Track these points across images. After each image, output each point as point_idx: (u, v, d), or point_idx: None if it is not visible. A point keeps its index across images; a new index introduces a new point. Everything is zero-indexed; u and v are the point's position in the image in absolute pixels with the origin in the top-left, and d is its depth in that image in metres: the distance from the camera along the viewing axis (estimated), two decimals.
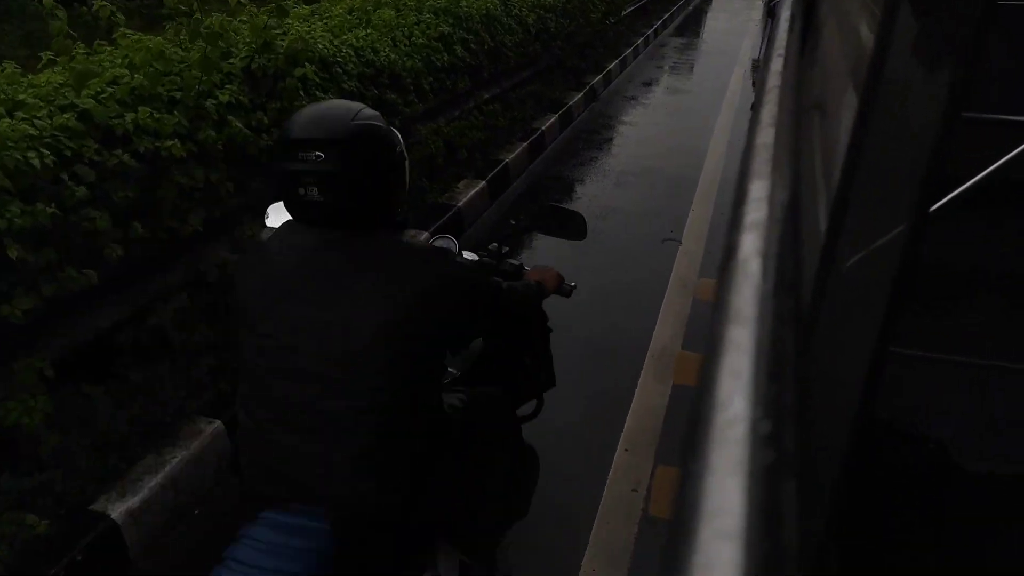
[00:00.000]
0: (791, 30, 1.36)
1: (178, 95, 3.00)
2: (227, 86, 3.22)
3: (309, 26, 4.23)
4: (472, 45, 5.77)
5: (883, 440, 1.81)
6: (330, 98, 3.90)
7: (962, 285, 2.47)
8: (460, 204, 5.16)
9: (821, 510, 0.79)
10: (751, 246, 0.45)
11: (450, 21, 5.47)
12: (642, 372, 3.52)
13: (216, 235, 3.23)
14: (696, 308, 4.11)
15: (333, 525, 1.37)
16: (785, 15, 1.57)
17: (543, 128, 6.87)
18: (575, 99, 7.96)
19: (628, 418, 3.20)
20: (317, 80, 3.79)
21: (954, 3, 0.67)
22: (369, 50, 4.31)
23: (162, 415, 2.70)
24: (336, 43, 4.14)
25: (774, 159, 0.58)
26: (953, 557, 1.65)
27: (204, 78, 3.11)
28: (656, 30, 12.84)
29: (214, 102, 3.10)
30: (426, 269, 1.41)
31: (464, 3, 5.79)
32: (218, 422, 2.79)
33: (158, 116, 2.80)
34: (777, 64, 1.00)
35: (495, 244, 2.22)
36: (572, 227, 2.24)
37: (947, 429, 1.94)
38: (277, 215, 1.65)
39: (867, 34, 0.77)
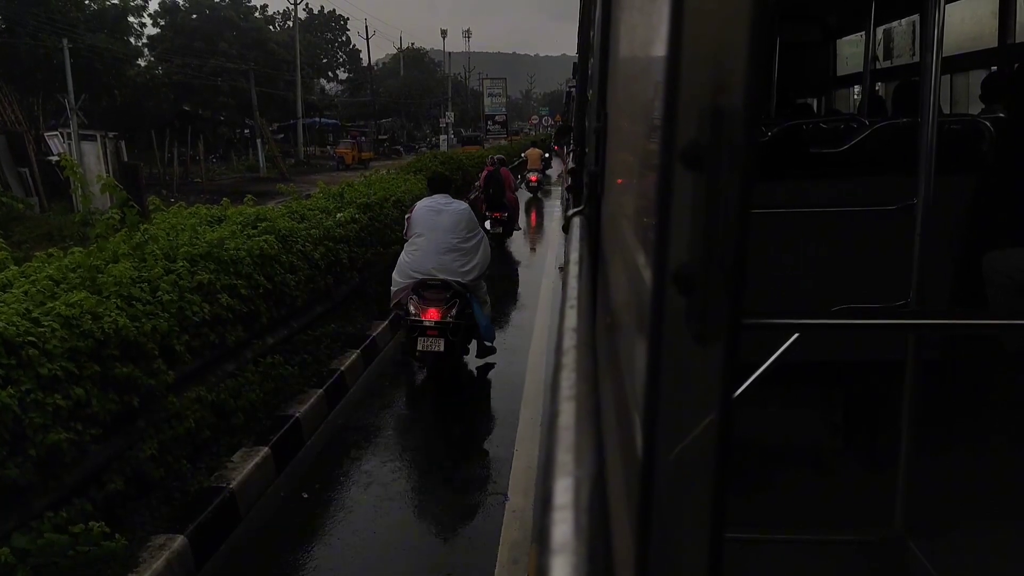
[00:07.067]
0: (580, 274, 1.47)
1: None
2: None
3: None
4: (244, 291, 5.01)
5: None
6: (22, 391, 2.93)
7: (776, 460, 2.77)
8: (233, 485, 4.13)
9: None
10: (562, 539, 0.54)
11: (211, 267, 4.70)
12: None
13: None
14: None
15: None
16: (574, 257, 1.71)
17: (343, 368, 6.08)
18: (379, 329, 7.32)
19: None
20: None
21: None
22: (87, 317, 3.42)
23: None
24: (35, 314, 3.22)
25: (576, 447, 0.67)
26: None
27: None
28: None
29: None
30: None
31: (231, 245, 5.08)
32: None
33: None
34: (571, 319, 1.12)
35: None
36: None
37: None
38: None
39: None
